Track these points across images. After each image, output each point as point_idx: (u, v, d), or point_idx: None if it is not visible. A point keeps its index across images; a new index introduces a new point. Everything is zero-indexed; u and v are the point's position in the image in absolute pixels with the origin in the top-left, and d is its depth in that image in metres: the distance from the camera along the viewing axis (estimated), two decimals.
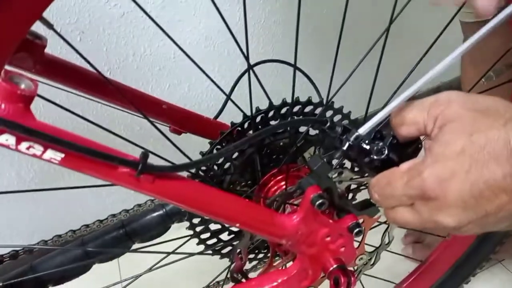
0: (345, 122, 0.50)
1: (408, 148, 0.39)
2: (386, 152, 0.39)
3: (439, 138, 0.33)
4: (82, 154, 0.31)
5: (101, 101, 0.52)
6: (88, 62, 0.36)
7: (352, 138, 0.38)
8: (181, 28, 0.93)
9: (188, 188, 0.36)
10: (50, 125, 0.32)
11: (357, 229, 0.44)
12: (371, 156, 0.39)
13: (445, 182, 0.32)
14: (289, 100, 0.50)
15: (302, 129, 0.55)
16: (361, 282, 0.68)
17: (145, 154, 0.33)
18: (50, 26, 0.35)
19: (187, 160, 0.42)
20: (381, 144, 0.38)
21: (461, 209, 0.32)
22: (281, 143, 0.55)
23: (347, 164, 0.46)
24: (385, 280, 0.74)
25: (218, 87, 0.51)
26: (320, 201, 0.40)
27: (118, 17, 0.88)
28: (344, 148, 0.38)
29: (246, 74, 0.50)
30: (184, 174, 0.46)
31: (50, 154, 0.31)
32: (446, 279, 0.76)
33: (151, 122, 0.40)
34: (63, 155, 0.31)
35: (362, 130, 0.38)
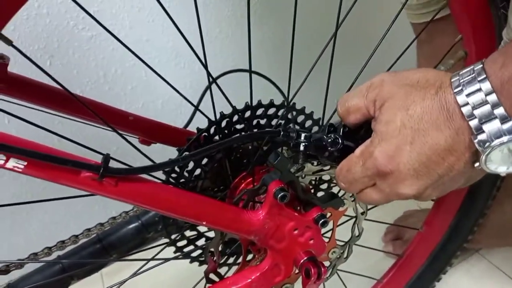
0: (296, 127, 0.52)
1: (360, 131, 0.41)
2: (340, 141, 0.41)
3: (380, 118, 0.36)
4: (43, 161, 0.32)
5: (69, 116, 0.54)
6: (49, 75, 0.37)
7: (303, 139, 0.41)
8: (150, 47, 0.95)
9: (151, 189, 0.37)
10: (10, 135, 0.33)
11: (322, 220, 0.46)
12: (329, 149, 0.42)
13: (394, 157, 0.35)
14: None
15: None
16: (342, 280, 0.69)
17: (106, 158, 0.34)
18: (9, 42, 0.37)
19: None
20: (333, 135, 0.41)
21: (415, 178, 0.35)
22: (250, 147, 0.57)
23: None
24: (368, 277, 0.76)
25: (184, 97, 0.53)
26: (281, 194, 0.42)
27: (86, 39, 0.90)
28: (302, 149, 0.40)
29: (213, 85, 0.52)
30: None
31: (12, 163, 0.32)
32: (424, 271, 0.78)
33: (115, 131, 0.42)
34: (25, 163, 0.32)
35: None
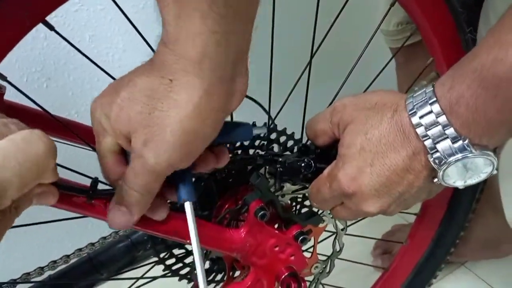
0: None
1: (332, 151, 0.43)
2: (313, 164, 0.43)
3: (342, 142, 0.38)
4: None
5: (63, 141, 0.56)
6: (38, 105, 0.40)
7: (279, 165, 0.43)
8: None
9: None
10: None
11: (302, 237, 0.48)
12: (303, 172, 0.44)
13: (356, 179, 0.37)
14: None
15: None
16: None
17: (95, 181, 0.37)
18: (4, 78, 0.40)
19: None
20: (306, 159, 0.43)
21: (377, 197, 0.37)
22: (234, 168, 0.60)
23: None
24: None
25: None
26: (261, 212, 0.44)
27: (82, 62, 0.93)
28: (278, 174, 0.43)
29: None
30: None
31: None
32: (410, 283, 0.80)
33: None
34: None
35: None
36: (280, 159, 0.44)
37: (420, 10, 0.54)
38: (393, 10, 0.56)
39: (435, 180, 0.36)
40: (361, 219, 0.55)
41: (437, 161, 0.34)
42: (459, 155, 0.33)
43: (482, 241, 0.91)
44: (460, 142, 0.33)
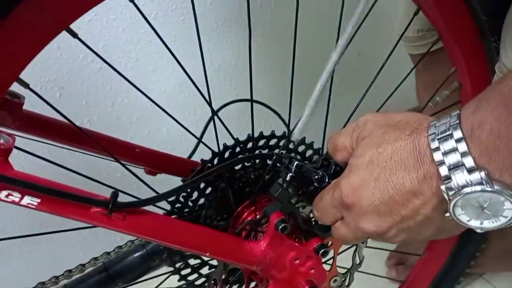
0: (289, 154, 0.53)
1: None
2: (327, 180, 0.42)
3: (354, 152, 0.37)
4: (56, 198, 0.34)
5: (79, 150, 0.56)
6: (62, 115, 0.40)
7: (293, 168, 0.42)
8: (156, 77, 0.99)
9: (156, 222, 0.39)
10: (26, 174, 0.35)
11: (323, 250, 0.47)
12: (315, 184, 0.43)
13: (357, 190, 0.35)
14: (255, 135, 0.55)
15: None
16: None
17: (115, 193, 0.36)
18: (26, 85, 0.40)
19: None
20: (321, 172, 0.42)
21: (376, 214, 0.35)
22: (252, 176, 0.59)
23: None
24: None
25: (188, 131, 0.55)
26: (282, 225, 0.43)
27: (95, 71, 0.94)
28: (288, 178, 0.42)
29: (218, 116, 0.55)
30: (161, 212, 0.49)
31: (27, 200, 0.34)
32: None
33: (121, 163, 0.44)
34: (39, 200, 0.34)
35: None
36: (297, 163, 0.42)
37: (443, 18, 0.53)
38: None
39: (447, 214, 0.33)
40: None
41: (449, 191, 0.31)
42: (474, 188, 0.30)
43: (501, 252, 0.89)
44: (477, 174, 0.30)
